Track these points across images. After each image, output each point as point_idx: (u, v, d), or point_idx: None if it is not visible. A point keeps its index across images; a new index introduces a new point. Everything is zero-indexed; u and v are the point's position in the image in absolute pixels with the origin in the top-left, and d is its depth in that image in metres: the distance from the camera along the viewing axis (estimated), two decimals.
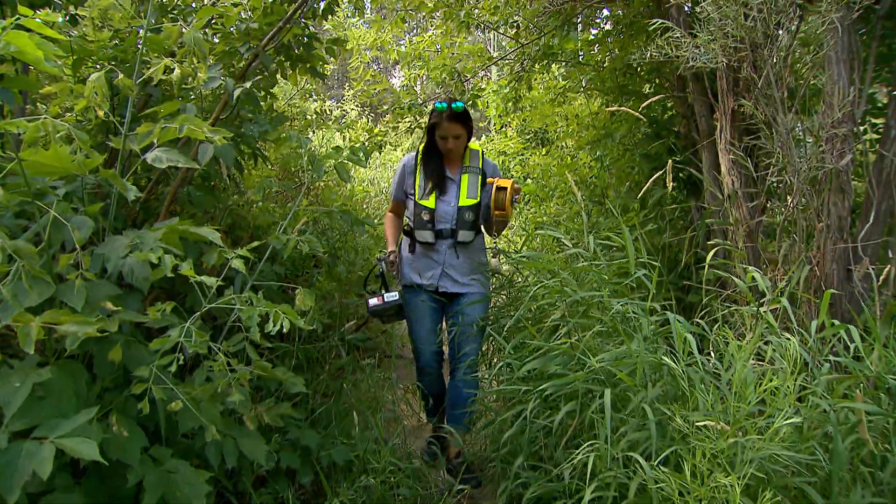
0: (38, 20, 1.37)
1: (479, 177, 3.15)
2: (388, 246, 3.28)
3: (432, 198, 3.12)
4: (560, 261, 2.73)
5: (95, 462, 1.46)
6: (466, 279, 3.17)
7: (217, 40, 2.69)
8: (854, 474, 1.84)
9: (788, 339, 1.97)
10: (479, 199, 3.13)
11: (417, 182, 3.19)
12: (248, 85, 1.95)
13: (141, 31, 1.89)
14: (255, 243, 1.72)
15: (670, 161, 2.48)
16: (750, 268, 2.40)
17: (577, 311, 2.47)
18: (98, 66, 2.28)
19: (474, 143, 3.26)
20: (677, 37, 2.65)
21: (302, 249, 1.99)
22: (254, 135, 2.52)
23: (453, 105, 3.00)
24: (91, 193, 1.98)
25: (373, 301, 2.91)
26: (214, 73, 1.93)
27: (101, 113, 1.58)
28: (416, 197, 3.16)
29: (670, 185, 2.43)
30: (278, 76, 3.03)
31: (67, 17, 2.30)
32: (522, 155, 6.71)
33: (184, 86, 1.90)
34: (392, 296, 2.93)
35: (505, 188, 2.86)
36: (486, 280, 3.26)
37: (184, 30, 1.63)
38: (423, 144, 3.24)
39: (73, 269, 1.51)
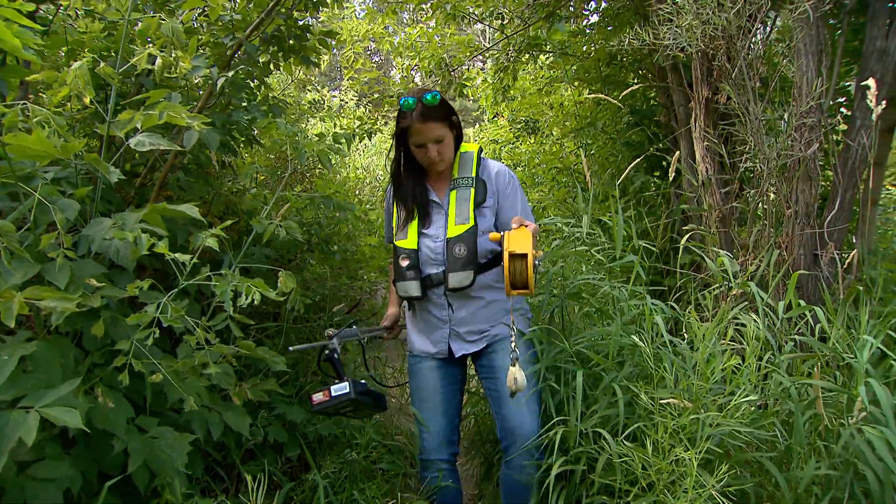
0: (14, 9, 1.45)
1: (472, 190, 2.25)
2: (389, 306, 2.60)
3: (412, 233, 2.30)
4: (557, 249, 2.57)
5: (84, 433, 1.56)
6: (487, 331, 2.31)
7: (215, 31, 2.78)
8: (811, 448, 1.92)
9: (755, 320, 2.04)
10: (473, 222, 2.20)
11: (395, 215, 2.39)
12: (230, 74, 2.03)
13: (132, 22, 1.98)
14: (229, 221, 1.81)
15: (677, 153, 2.53)
16: (721, 252, 2.48)
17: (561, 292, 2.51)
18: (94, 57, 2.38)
19: (468, 145, 2.38)
20: (667, 12, 2.65)
21: (280, 234, 2.08)
22: (242, 122, 2.60)
23: (424, 98, 2.15)
24: (85, 179, 2.08)
25: (317, 397, 2.16)
26: (199, 63, 2.01)
27: (86, 100, 1.67)
28: (394, 237, 2.36)
29: (672, 174, 2.48)
30: (272, 66, 3.11)
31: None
32: (513, 143, 6.79)
33: (170, 75, 1.98)
34: (341, 388, 2.13)
35: (524, 255, 1.82)
36: (523, 317, 2.36)
37: (162, 21, 1.72)
38: (392, 162, 2.38)
39: (58, 248, 1.60)
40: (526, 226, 1.96)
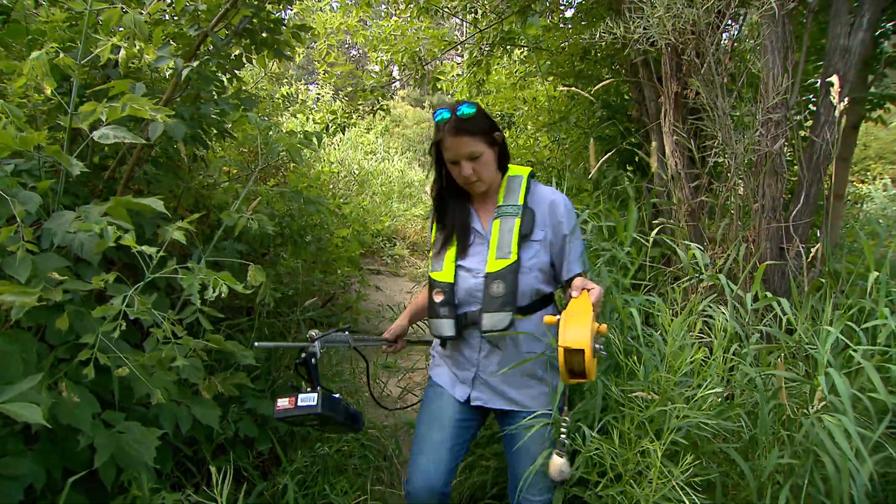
0: None
1: (518, 220, 1.98)
2: (400, 318, 2.36)
3: (448, 264, 2.05)
4: None
5: (48, 428, 1.53)
6: (517, 391, 2.03)
7: (183, 23, 2.75)
8: (775, 437, 1.95)
9: (723, 312, 2.07)
10: (515, 257, 1.95)
11: (433, 241, 2.18)
12: (195, 65, 2.01)
13: (97, 12, 1.95)
14: (196, 215, 1.80)
15: (654, 143, 2.55)
16: (692, 245, 2.49)
17: None
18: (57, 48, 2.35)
19: (518, 167, 2.13)
20: (639, 1, 2.65)
21: (252, 227, 2.07)
22: (210, 114, 2.58)
23: (459, 110, 1.93)
24: (50, 171, 2.05)
25: (281, 403, 1.94)
26: (164, 54, 1.99)
27: (47, 91, 1.65)
28: (430, 268, 2.13)
29: (654, 168, 2.50)
30: (244, 59, 3.08)
31: None
32: None
33: (134, 66, 1.96)
34: (308, 399, 1.93)
35: (581, 350, 1.56)
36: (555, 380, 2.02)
37: (125, 11, 1.69)
38: (433, 181, 2.15)
39: (19, 241, 1.58)
40: (589, 290, 1.72)
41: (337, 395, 2.00)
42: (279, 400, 1.95)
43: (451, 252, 2.06)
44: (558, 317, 1.66)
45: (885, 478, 1.80)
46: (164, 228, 1.83)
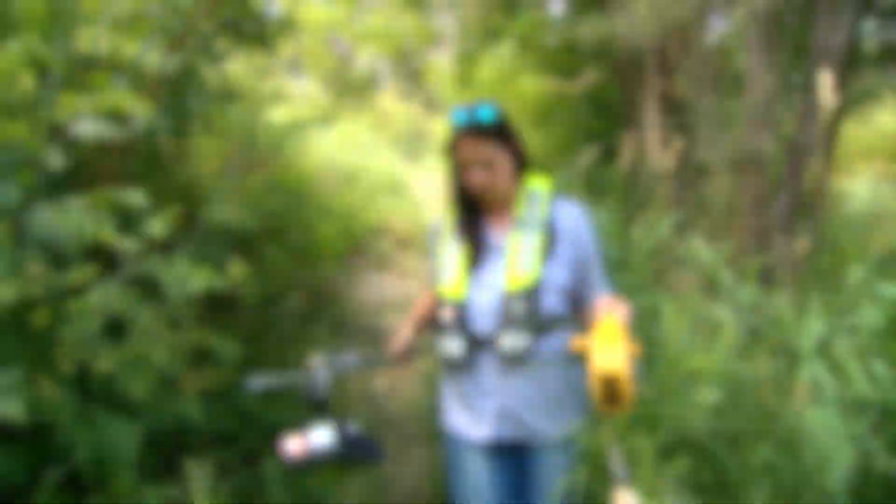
0: None
1: (541, 235, 1.79)
2: (402, 329, 2.05)
3: (460, 279, 1.84)
4: None
5: (28, 423, 1.51)
6: (540, 420, 1.79)
7: (167, 15, 2.71)
8: (758, 431, 1.97)
9: (725, 312, 2.08)
10: (537, 274, 1.75)
11: (442, 250, 1.94)
12: (180, 58, 1.99)
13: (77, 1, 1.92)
14: (178, 208, 1.78)
15: (638, 138, 2.55)
16: (697, 240, 2.47)
17: None
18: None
19: (538, 177, 1.92)
20: None
21: (232, 221, 2.05)
22: (195, 108, 2.55)
23: (477, 111, 1.75)
24: (32, 164, 2.02)
25: (292, 447, 1.58)
26: (147, 46, 1.97)
27: (27, 82, 1.62)
28: (437, 282, 1.92)
29: (627, 163, 2.51)
30: (230, 53, 3.05)
31: None
32: None
33: (117, 58, 1.94)
34: (322, 437, 1.59)
35: (616, 379, 1.39)
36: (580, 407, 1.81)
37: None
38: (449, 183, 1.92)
39: None
40: (617, 309, 1.58)
41: (352, 426, 1.66)
42: (288, 444, 1.60)
43: (462, 265, 1.85)
44: (587, 340, 1.51)
45: (865, 470, 1.82)
46: (146, 222, 1.81)
